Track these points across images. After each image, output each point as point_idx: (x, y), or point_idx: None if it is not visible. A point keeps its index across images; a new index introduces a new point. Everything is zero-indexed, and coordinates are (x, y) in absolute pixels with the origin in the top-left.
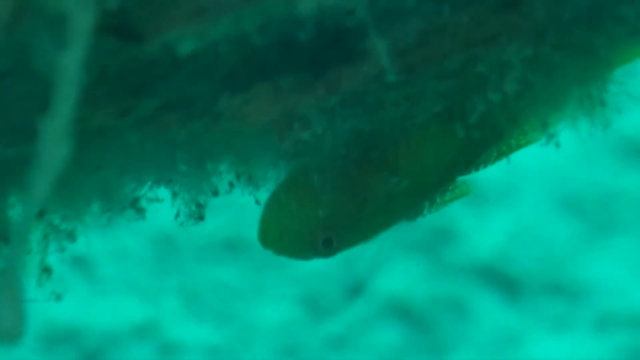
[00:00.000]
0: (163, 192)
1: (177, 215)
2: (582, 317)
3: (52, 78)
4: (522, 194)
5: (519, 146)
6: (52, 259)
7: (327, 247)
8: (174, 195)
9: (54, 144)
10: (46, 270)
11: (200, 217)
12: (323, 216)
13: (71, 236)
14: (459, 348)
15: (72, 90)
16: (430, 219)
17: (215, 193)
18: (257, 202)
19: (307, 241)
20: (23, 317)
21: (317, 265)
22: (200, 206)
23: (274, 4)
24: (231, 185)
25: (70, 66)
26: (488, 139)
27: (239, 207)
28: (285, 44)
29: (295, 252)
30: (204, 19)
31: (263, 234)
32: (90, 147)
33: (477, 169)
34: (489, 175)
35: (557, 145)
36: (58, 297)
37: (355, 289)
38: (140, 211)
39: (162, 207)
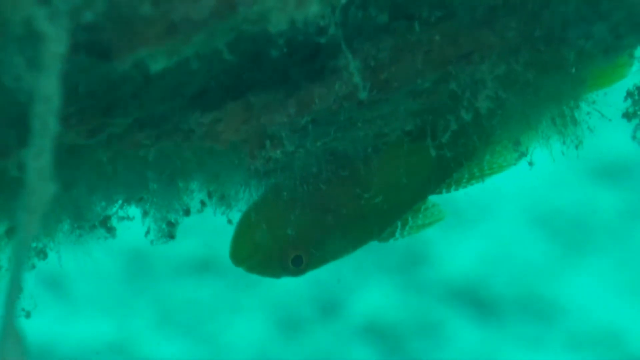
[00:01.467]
0: (134, 211)
1: (147, 233)
2: (554, 336)
3: (32, 110)
4: (495, 215)
5: (492, 171)
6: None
7: (297, 265)
8: (145, 213)
9: (40, 180)
10: None
11: (171, 236)
12: (293, 235)
13: (42, 254)
14: None
15: (52, 122)
16: (404, 241)
17: (187, 212)
18: (229, 221)
19: (277, 259)
20: None
21: (292, 285)
22: (171, 224)
23: (246, 20)
24: (203, 204)
25: (48, 94)
26: (460, 158)
27: (212, 227)
28: (257, 62)
29: (266, 270)
30: (176, 36)
31: (234, 252)
32: (61, 165)
33: (449, 189)
34: (463, 197)
35: (531, 164)
36: (27, 314)
37: (330, 310)
38: (111, 230)
39: (135, 226)
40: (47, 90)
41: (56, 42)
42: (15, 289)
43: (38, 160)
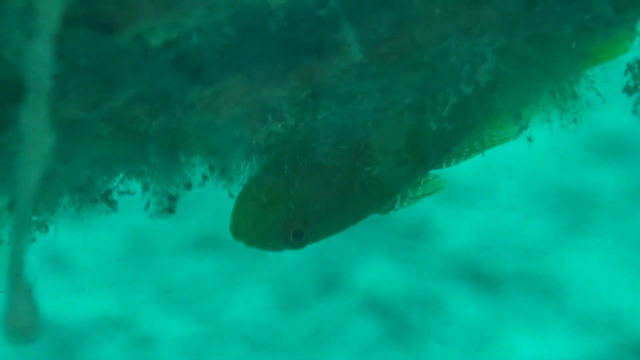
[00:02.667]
0: (135, 186)
1: (146, 206)
2: (557, 314)
3: (25, 69)
4: (497, 191)
5: (492, 143)
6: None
7: (297, 238)
8: (145, 187)
9: (37, 134)
10: None
11: (171, 210)
12: (293, 208)
13: (43, 227)
14: (433, 343)
15: (47, 78)
16: (406, 216)
17: (188, 185)
18: (230, 195)
19: (277, 233)
20: (38, 315)
21: (293, 260)
22: (172, 199)
23: None
24: (204, 177)
25: (42, 54)
26: (460, 132)
27: (215, 203)
28: (257, 35)
29: (266, 243)
30: (176, 9)
31: (234, 226)
32: (61, 139)
33: (449, 163)
34: (465, 173)
35: (530, 140)
36: None
37: (330, 284)
38: (112, 204)
39: (137, 201)
40: (39, 48)
41: (47, 7)
42: (20, 243)
43: (34, 116)
